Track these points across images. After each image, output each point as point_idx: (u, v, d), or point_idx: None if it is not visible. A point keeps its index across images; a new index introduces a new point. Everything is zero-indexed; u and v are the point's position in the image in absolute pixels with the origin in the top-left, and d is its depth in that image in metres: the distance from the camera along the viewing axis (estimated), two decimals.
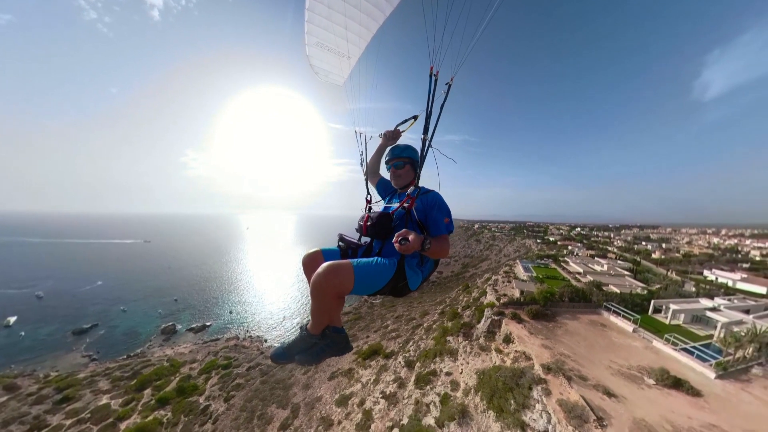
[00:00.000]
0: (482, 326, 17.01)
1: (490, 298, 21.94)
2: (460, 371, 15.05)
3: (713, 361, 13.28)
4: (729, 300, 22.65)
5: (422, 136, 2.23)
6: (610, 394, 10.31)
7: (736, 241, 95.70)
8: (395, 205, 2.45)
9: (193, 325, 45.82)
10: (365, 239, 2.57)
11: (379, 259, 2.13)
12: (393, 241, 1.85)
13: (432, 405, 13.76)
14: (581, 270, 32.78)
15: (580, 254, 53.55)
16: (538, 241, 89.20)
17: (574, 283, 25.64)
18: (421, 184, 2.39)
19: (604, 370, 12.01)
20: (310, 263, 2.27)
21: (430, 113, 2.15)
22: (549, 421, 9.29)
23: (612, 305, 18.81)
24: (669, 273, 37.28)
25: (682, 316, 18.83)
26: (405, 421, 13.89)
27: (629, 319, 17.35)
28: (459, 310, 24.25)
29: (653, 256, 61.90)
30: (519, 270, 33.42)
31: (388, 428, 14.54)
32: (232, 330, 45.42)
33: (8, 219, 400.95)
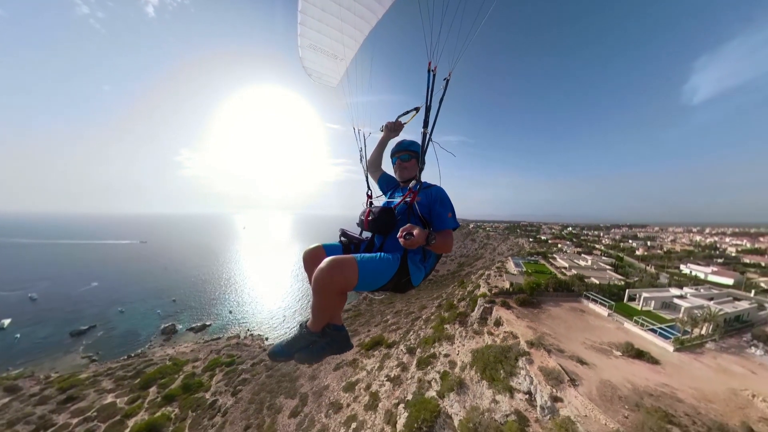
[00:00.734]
0: (476, 314, 18.98)
1: (483, 289, 23.98)
2: (457, 353, 16.96)
3: (672, 338, 15.50)
4: (696, 289, 25.21)
5: (422, 130, 2.25)
6: (582, 362, 12.35)
7: (717, 238, 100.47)
8: (397, 199, 2.44)
9: (193, 325, 46.14)
10: (366, 234, 2.55)
11: (383, 254, 2.11)
12: (398, 236, 1.84)
13: (433, 381, 15.62)
14: (567, 265, 35.28)
15: (568, 251, 56.36)
16: (531, 240, 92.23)
17: (559, 276, 27.94)
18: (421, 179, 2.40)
19: (579, 345, 14.07)
20: (311, 259, 2.21)
21: (430, 107, 2.19)
22: (532, 383, 11.26)
23: (591, 294, 21.06)
24: (648, 267, 40.08)
25: (653, 302, 21.19)
26: (410, 397, 15.71)
27: (605, 306, 19.61)
28: (455, 302, 26.24)
29: (637, 252, 65.25)
30: (510, 266, 35.75)
31: (394, 405, 16.33)
32: (233, 329, 45.87)
33: None
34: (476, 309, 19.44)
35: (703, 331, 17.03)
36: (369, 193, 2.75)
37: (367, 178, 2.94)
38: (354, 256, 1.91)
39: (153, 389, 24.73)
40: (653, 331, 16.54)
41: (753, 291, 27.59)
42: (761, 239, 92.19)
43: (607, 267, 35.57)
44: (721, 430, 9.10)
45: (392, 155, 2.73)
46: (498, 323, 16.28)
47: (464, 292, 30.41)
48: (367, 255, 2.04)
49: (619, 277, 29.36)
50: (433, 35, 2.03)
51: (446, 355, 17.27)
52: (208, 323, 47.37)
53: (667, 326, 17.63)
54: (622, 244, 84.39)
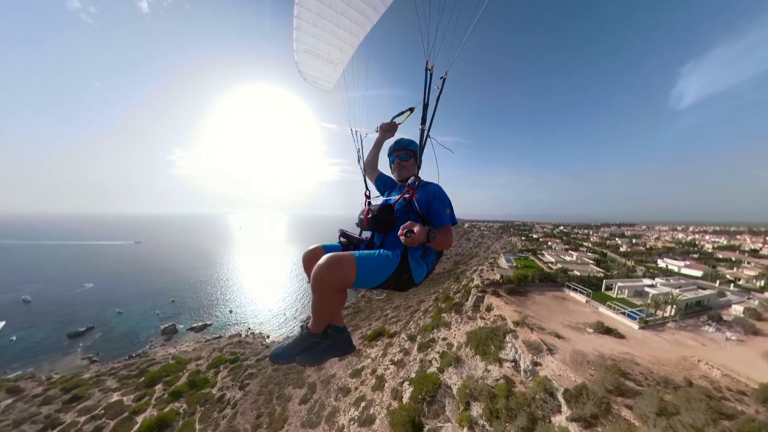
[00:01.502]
0: (470, 302, 21.20)
1: (476, 282, 26.27)
2: (454, 336, 19.12)
3: (638, 318, 17.98)
4: (667, 280, 28.01)
5: (420, 127, 2.28)
6: (559, 336, 14.64)
7: (698, 236, 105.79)
8: (395, 197, 2.45)
9: (194, 325, 46.04)
10: (366, 234, 2.57)
11: (383, 250, 2.12)
12: (398, 233, 1.83)
13: (433, 360, 17.72)
14: (554, 260, 38.04)
15: (556, 248, 59.41)
16: (523, 238, 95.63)
17: (545, 269, 30.48)
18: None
19: (558, 324, 16.39)
20: (310, 260, 2.18)
21: (427, 105, 2.22)
22: (516, 353, 13.47)
23: (572, 284, 23.56)
24: (627, 262, 43.15)
25: (627, 291, 23.81)
26: (413, 375, 17.75)
27: (584, 294, 22.10)
28: (451, 294, 28.46)
29: (621, 249, 68.88)
30: (502, 261, 38.31)
31: (399, 383, 18.33)
32: (234, 328, 46.05)
33: None
34: (470, 298, 21.66)
35: (667, 313, 19.61)
36: (367, 193, 2.78)
37: (365, 179, 2.97)
38: (352, 253, 1.94)
39: (159, 386, 24.92)
40: (623, 313, 19.02)
41: (717, 281, 30.65)
42: (738, 237, 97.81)
43: (590, 262, 38.46)
44: (666, 383, 11.42)
45: (390, 154, 2.76)
46: (489, 309, 18.52)
47: (459, 286, 32.69)
48: (366, 251, 2.07)
49: (601, 270, 32.11)
50: (430, 35, 2.09)
51: (444, 339, 19.40)
52: (209, 323, 47.38)
53: (636, 310, 20.15)
54: (608, 241, 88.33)
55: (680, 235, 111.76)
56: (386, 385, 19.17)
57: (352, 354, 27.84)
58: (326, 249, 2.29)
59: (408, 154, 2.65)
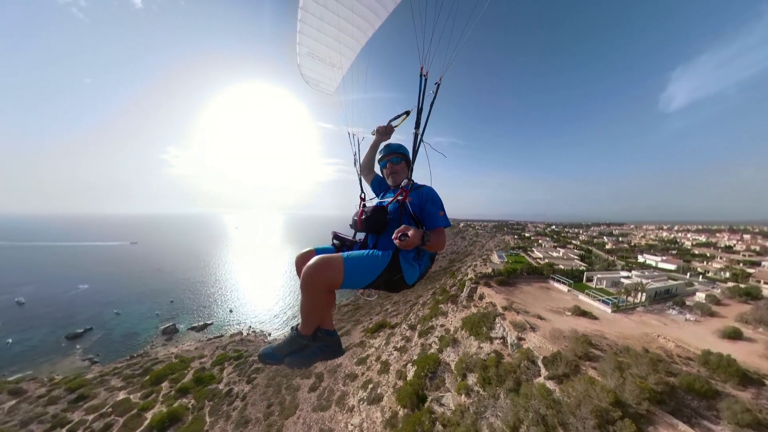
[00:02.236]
0: (464, 293, 23.51)
1: (470, 275, 28.62)
2: (451, 322, 21.36)
3: (611, 303, 20.54)
4: (642, 272, 30.91)
5: (414, 131, 2.32)
6: (541, 318, 17.01)
7: (681, 234, 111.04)
8: (389, 199, 2.46)
9: (194, 325, 45.73)
10: (360, 236, 2.58)
11: (372, 251, 2.14)
12: (392, 237, 1.84)
13: (433, 343, 19.93)
14: (542, 256, 40.86)
15: (545, 246, 62.57)
16: (516, 237, 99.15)
17: (534, 264, 33.12)
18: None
19: (541, 309, 18.79)
20: (303, 263, 2.16)
21: (421, 110, 2.27)
22: (504, 331, 15.77)
23: (556, 276, 26.11)
24: (610, 257, 46.27)
25: (605, 282, 26.51)
26: (415, 357, 19.89)
27: (566, 284, 24.64)
28: (447, 288, 30.77)
29: (606, 246, 72.53)
30: (494, 257, 41.00)
31: (403, 366, 20.44)
32: (235, 327, 45.77)
33: None
34: (465, 290, 23.98)
35: (637, 300, 22.25)
36: (362, 195, 2.82)
37: (360, 181, 3.01)
38: (340, 254, 1.97)
39: (165, 384, 25.15)
40: (599, 300, 21.58)
41: (688, 274, 33.80)
42: (717, 234, 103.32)
43: (575, 257, 41.38)
44: (626, 350, 13.82)
45: (381, 159, 2.76)
46: (481, 297, 20.84)
47: (455, 280, 35.05)
48: (355, 252, 2.10)
49: (584, 264, 34.93)
50: (425, 41, 2.14)
51: (442, 325, 21.64)
52: (209, 322, 47.53)
53: (611, 297, 22.74)
54: (595, 239, 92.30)
55: (664, 234, 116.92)
56: (391, 368, 21.21)
57: (356, 346, 29.71)
58: (319, 252, 2.31)
59: (399, 157, 2.69)
